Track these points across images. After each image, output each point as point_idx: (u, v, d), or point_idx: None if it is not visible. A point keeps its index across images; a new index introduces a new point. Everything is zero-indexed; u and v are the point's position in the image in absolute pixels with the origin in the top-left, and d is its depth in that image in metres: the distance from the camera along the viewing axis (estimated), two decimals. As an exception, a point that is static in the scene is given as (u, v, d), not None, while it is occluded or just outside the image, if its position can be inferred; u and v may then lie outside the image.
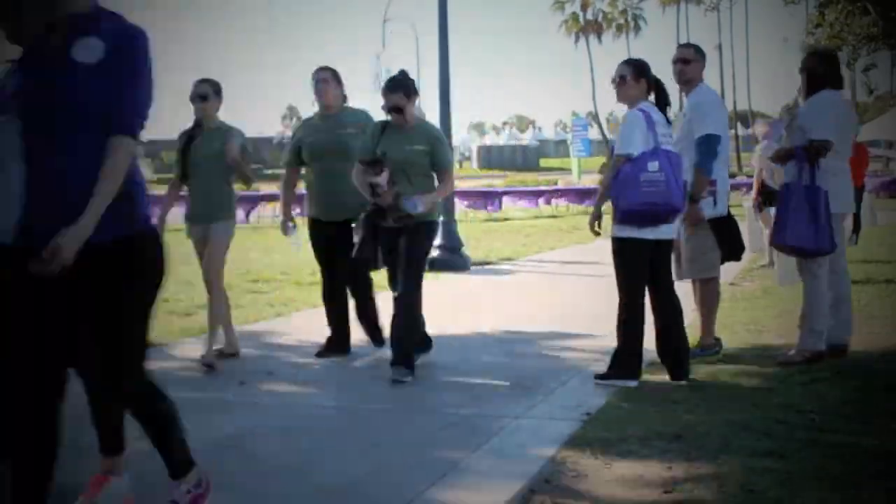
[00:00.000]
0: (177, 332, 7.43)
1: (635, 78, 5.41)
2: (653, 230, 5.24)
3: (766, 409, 4.59)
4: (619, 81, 5.43)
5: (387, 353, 6.28)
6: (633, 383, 5.22)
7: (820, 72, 5.95)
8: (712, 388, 5.14)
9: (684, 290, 6.16)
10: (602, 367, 5.58)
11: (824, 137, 5.72)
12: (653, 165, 5.16)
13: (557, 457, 3.96)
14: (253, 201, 27.39)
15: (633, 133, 5.29)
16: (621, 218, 5.30)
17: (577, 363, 5.96)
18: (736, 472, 3.61)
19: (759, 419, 4.37)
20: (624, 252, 5.35)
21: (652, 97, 5.49)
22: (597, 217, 5.51)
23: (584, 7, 76.06)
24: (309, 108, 6.88)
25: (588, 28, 76.10)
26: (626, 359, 5.29)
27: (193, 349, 6.79)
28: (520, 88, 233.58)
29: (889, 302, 7.98)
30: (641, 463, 3.82)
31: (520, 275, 11.91)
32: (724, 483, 3.50)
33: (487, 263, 13.30)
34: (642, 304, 5.37)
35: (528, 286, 10.61)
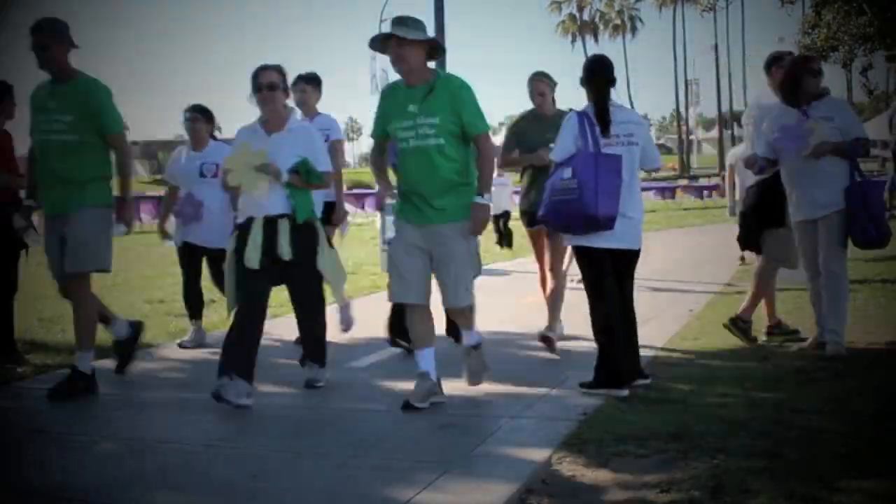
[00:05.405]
0: (174, 332, 7.42)
1: None
2: (598, 237, 4.97)
3: (764, 409, 4.58)
4: None
5: (388, 354, 6.30)
6: (622, 392, 4.94)
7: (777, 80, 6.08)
8: (710, 388, 5.12)
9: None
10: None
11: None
12: (566, 173, 4.95)
13: (554, 457, 3.95)
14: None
15: (560, 138, 5.11)
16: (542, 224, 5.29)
17: (574, 363, 5.94)
18: (733, 473, 3.60)
19: (756, 419, 4.36)
20: (579, 260, 5.20)
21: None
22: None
23: (580, 8, 76.15)
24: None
25: (584, 29, 76.20)
26: (606, 368, 5.03)
27: (186, 350, 6.80)
28: (516, 89, 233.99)
29: (885, 301, 7.98)
30: (638, 463, 3.82)
31: (516, 275, 11.90)
32: (722, 483, 3.49)
33: (483, 264, 13.28)
34: (610, 311, 5.05)
35: (525, 287, 10.57)
